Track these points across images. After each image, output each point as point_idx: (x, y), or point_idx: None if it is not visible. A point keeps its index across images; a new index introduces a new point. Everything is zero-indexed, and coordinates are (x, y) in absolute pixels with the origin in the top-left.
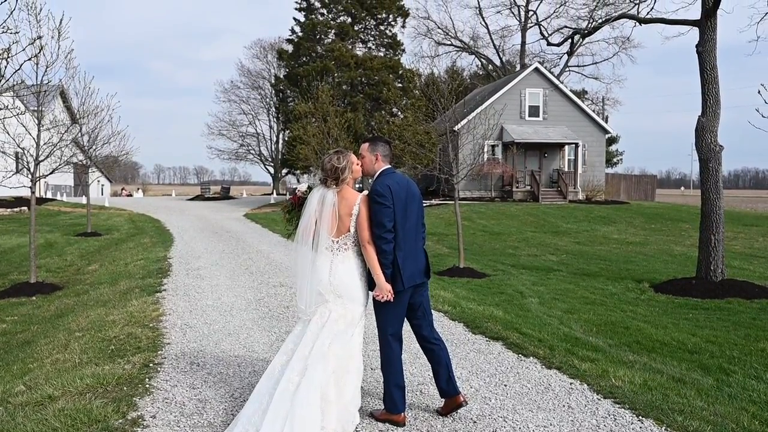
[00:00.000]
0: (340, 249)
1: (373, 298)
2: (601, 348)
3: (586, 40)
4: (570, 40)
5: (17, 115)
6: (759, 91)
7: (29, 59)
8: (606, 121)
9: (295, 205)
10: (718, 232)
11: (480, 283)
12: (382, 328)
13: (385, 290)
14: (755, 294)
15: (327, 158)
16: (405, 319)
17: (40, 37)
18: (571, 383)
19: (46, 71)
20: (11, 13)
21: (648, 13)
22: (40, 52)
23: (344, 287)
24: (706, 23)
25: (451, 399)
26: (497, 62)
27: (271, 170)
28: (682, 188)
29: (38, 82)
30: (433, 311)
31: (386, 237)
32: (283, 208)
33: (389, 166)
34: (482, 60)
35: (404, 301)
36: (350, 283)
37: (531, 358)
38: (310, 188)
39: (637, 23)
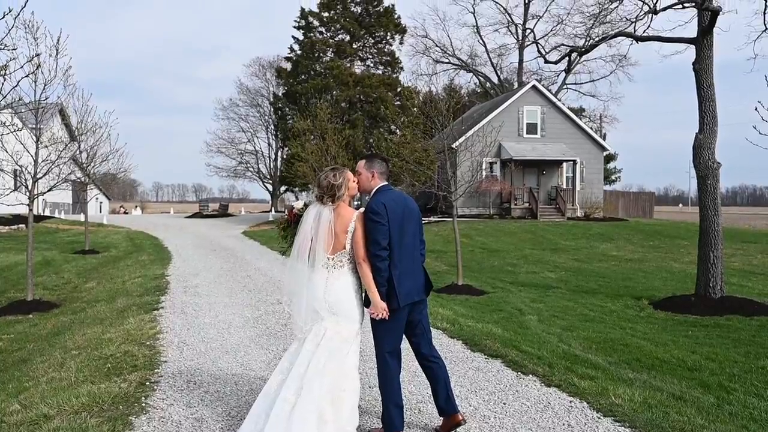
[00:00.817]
0: (336, 266)
1: (370, 316)
2: (601, 365)
3: (584, 57)
4: (567, 58)
5: (14, 131)
6: (756, 108)
7: (26, 76)
8: (604, 139)
9: (291, 222)
10: (716, 248)
11: (479, 300)
12: (379, 345)
13: (380, 308)
14: (755, 311)
15: (323, 175)
16: (403, 336)
17: (38, 55)
18: (570, 401)
19: (44, 89)
20: (9, 31)
21: (644, 31)
22: (37, 69)
23: (339, 305)
24: (703, 41)
25: (449, 417)
26: (495, 80)
27: (270, 187)
28: (680, 205)
29: (36, 99)
30: (431, 329)
31: (381, 255)
32: (279, 224)
33: (386, 183)
34: (480, 78)
35: (401, 318)
36: (345, 301)
37: (530, 375)
38: (306, 205)
39: (634, 41)
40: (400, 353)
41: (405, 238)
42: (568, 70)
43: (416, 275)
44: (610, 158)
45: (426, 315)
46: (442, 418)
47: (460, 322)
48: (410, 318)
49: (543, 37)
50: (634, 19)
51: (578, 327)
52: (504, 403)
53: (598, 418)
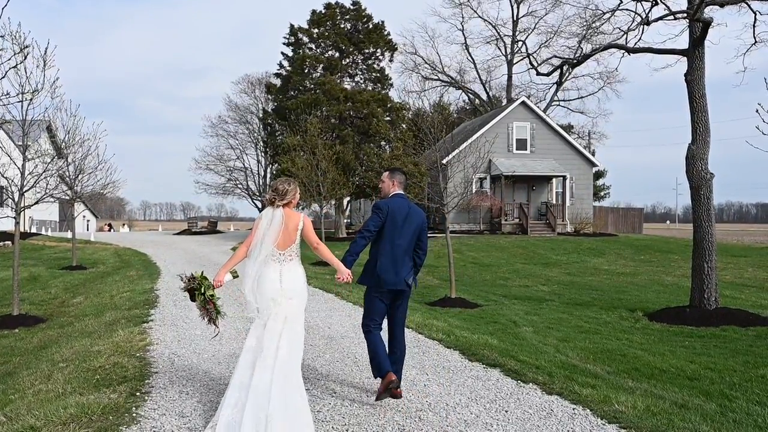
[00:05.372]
0: (287, 259)
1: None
2: (600, 375)
3: (573, 73)
4: (559, 70)
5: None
6: (757, 110)
7: (14, 67)
8: (593, 155)
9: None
10: (710, 259)
11: (472, 313)
12: (364, 318)
13: (345, 273)
14: (750, 322)
15: (278, 182)
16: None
17: (26, 46)
18: (573, 408)
19: (31, 100)
20: None
21: (636, 44)
22: (24, 60)
23: (293, 290)
24: (694, 52)
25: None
26: (484, 97)
27: (259, 204)
28: (668, 222)
29: (23, 99)
30: (426, 339)
31: (364, 234)
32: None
33: (401, 192)
34: (469, 95)
35: (383, 298)
36: (297, 286)
37: (530, 384)
38: (190, 280)
39: (626, 53)
40: (380, 326)
41: (398, 238)
42: (559, 83)
43: (402, 269)
44: (599, 175)
45: (405, 305)
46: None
47: (455, 333)
48: (393, 303)
49: (535, 51)
50: (626, 30)
51: (574, 338)
52: (506, 411)
53: (603, 424)
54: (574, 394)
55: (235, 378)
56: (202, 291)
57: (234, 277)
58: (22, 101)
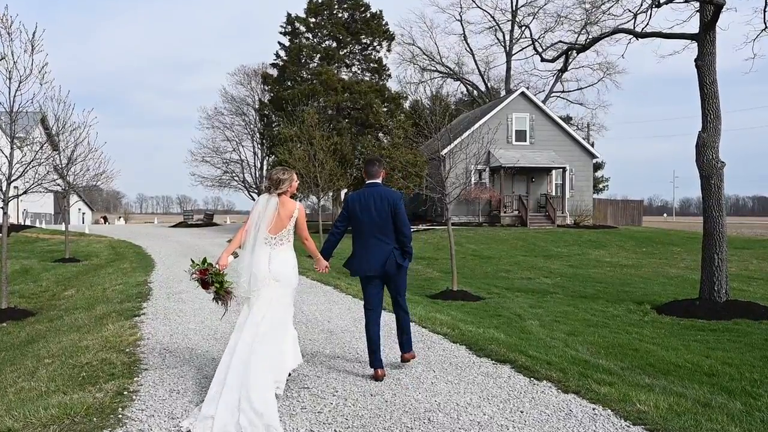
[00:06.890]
0: (277, 243)
1: (318, 272)
2: (615, 371)
3: (573, 63)
4: (564, 56)
5: None
6: None
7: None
8: (592, 146)
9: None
10: (721, 251)
11: (475, 306)
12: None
13: (323, 265)
14: (762, 315)
15: (273, 171)
16: (377, 299)
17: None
18: (593, 408)
19: (19, 86)
20: None
21: (643, 29)
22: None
23: (280, 273)
24: (705, 36)
25: (403, 354)
26: (482, 88)
27: (255, 196)
28: (665, 215)
29: (10, 94)
30: (431, 334)
31: (333, 230)
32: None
33: (373, 180)
34: (467, 86)
35: (365, 284)
36: (284, 270)
37: (544, 381)
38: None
39: (634, 38)
40: (371, 308)
41: (367, 226)
42: (564, 69)
43: (375, 256)
44: (598, 167)
45: (401, 282)
46: (401, 353)
47: (460, 327)
48: (387, 283)
49: (539, 37)
50: (636, 13)
51: (582, 332)
52: (521, 411)
53: (627, 426)
54: (591, 393)
55: (224, 357)
56: (219, 281)
57: (235, 257)
58: (11, 108)
